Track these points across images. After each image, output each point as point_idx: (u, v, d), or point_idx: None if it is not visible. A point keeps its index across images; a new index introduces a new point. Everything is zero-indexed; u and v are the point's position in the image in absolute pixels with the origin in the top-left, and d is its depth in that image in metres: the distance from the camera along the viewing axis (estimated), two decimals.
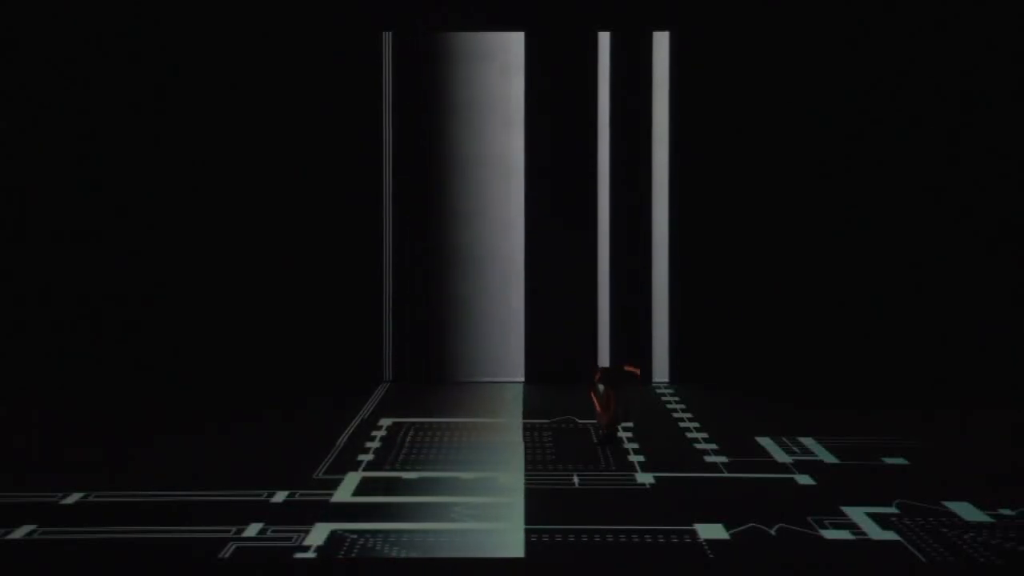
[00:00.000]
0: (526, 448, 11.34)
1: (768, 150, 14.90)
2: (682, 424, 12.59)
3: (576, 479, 10.18)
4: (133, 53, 14.72)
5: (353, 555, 8.03)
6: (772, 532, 8.57)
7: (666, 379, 15.16)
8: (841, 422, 12.59)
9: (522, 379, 15.19)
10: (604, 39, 15.19)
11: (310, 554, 8.04)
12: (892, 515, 8.97)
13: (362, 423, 12.53)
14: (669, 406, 13.61)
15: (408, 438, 11.80)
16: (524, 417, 12.94)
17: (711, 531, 8.57)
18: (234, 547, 8.13)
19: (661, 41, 15.15)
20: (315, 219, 15.00)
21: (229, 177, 14.87)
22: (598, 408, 11.48)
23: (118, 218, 14.78)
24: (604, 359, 15.18)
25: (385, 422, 12.56)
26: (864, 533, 8.55)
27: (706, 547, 8.24)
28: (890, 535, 8.50)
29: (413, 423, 12.49)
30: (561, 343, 15.25)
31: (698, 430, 12.27)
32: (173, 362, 14.80)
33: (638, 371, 11.93)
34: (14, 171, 14.73)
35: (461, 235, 15.26)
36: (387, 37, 15.17)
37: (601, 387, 11.50)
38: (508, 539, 8.41)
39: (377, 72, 15.07)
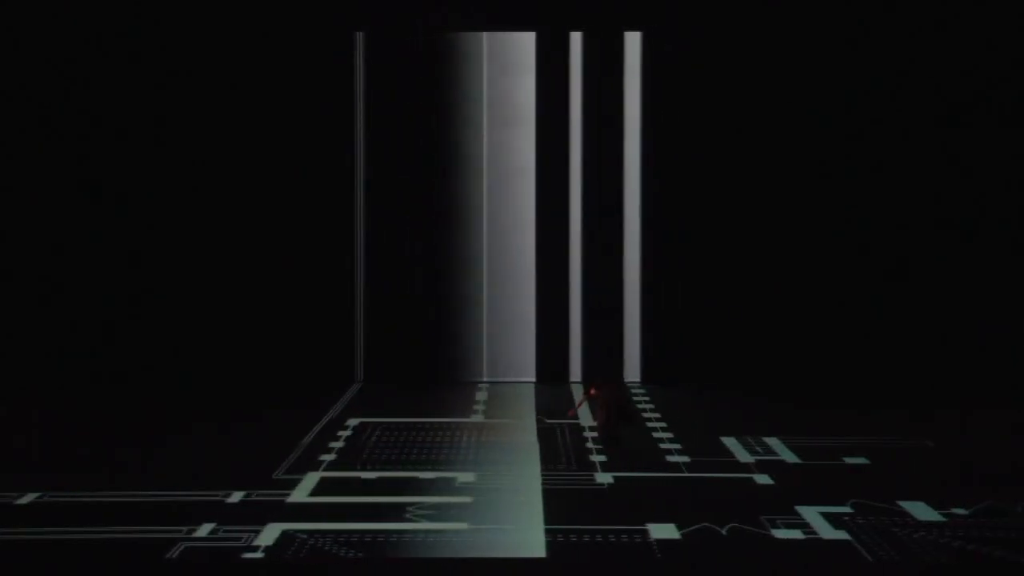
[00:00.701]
0: (493, 448, 11.36)
1: (762, 150, 14.86)
2: (649, 424, 12.59)
3: (537, 479, 10.17)
4: (133, 54, 14.70)
5: (302, 555, 8.03)
6: (723, 532, 8.56)
7: (638, 379, 15.17)
8: (814, 422, 12.62)
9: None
10: (576, 39, 15.24)
11: (258, 554, 8.04)
12: (846, 514, 8.96)
13: (329, 423, 12.54)
14: (639, 406, 13.60)
15: (374, 438, 11.80)
16: (495, 417, 12.97)
17: (663, 531, 8.56)
18: (183, 547, 8.12)
19: (634, 41, 15.17)
20: (292, 222, 14.98)
21: (205, 180, 14.86)
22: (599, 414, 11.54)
23: (93, 223, 14.79)
24: (575, 358, 15.24)
25: (352, 422, 12.59)
26: (815, 532, 8.55)
27: (655, 547, 8.23)
28: (841, 534, 8.50)
29: (380, 423, 12.50)
30: (554, 343, 15.32)
31: (664, 430, 12.27)
32: (148, 364, 14.80)
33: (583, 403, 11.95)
34: (10, 174, 14.76)
35: (456, 236, 15.31)
36: (359, 37, 15.18)
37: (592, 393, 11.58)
38: (468, 539, 8.41)
39: (350, 73, 15.10)
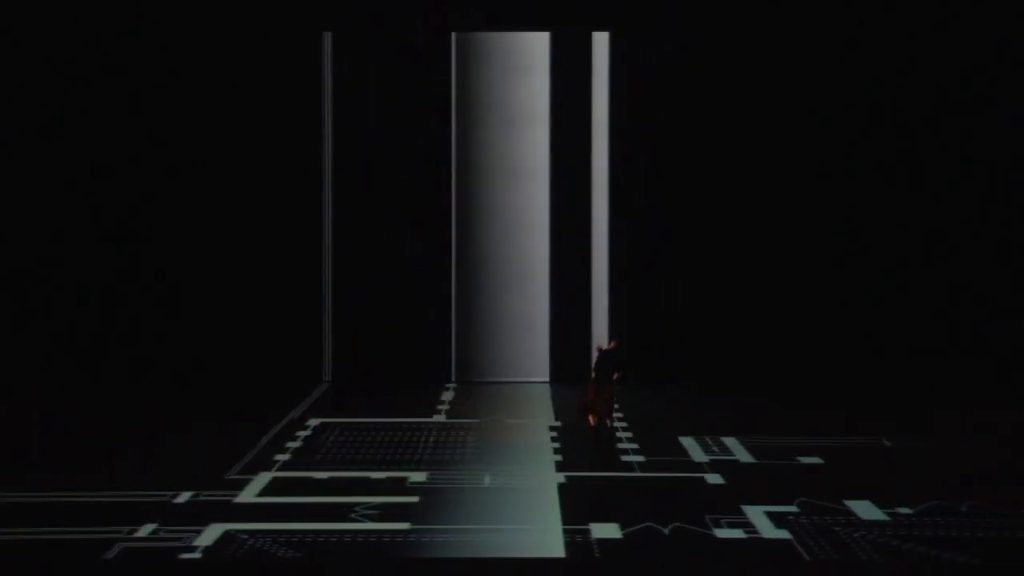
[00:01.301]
0: (447, 448, 11.36)
1: (758, 151, 14.81)
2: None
3: (487, 479, 10.17)
4: (120, 56, 14.72)
5: (238, 556, 8.02)
6: (666, 532, 8.55)
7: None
8: (789, 422, 12.61)
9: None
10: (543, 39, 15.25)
11: (196, 555, 8.03)
12: (790, 514, 8.95)
13: (290, 423, 12.52)
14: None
15: (331, 438, 11.80)
16: (457, 417, 12.98)
17: (605, 531, 8.55)
18: (121, 548, 8.11)
19: (601, 40, 15.18)
20: (262, 225, 14.93)
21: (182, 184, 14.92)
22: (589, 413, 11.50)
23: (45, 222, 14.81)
24: (543, 358, 15.24)
25: (314, 422, 12.58)
26: (757, 532, 8.54)
27: (595, 547, 8.22)
28: (782, 534, 8.49)
29: (341, 423, 12.50)
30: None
31: (625, 429, 12.26)
32: (121, 364, 14.78)
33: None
34: None
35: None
36: (327, 38, 15.17)
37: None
38: (403, 540, 8.41)
39: (318, 72, 15.11)
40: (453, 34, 15.18)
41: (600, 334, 14.96)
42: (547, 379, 15.28)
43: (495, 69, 15.29)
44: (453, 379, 15.24)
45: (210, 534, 8.44)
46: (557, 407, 13.48)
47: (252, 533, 8.47)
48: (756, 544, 8.31)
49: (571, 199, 15.21)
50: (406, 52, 15.05)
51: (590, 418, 11.39)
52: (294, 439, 11.75)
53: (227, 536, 8.40)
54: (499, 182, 15.35)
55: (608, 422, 11.49)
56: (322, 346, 15.19)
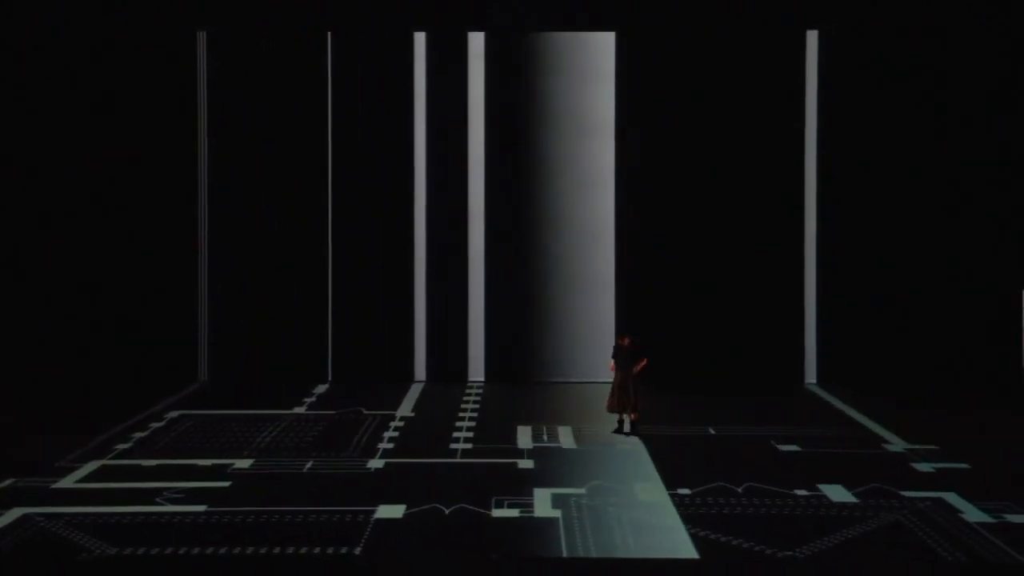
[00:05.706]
0: (289, 437, 11.74)
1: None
2: (462, 415, 12.93)
3: (310, 464, 10.57)
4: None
5: (23, 538, 8.37)
6: (447, 512, 8.95)
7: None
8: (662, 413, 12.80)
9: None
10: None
11: None
12: (575, 496, 9.34)
13: (151, 415, 12.88)
14: (468, 399, 13.99)
15: (181, 429, 12.17)
16: (314, 409, 13.36)
17: (390, 511, 8.95)
18: None
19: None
20: (141, 218, 15.28)
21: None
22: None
23: None
24: (420, 359, 15.54)
25: (173, 414, 12.95)
26: (531, 512, 8.93)
27: (370, 526, 8.61)
28: (555, 513, 8.87)
29: (199, 415, 12.87)
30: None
31: (472, 419, 12.64)
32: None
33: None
34: None
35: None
36: (201, 37, 15.51)
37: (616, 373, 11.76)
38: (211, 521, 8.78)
39: (193, 72, 15.45)
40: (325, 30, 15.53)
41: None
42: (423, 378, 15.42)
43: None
44: (330, 376, 15.49)
45: (7, 518, 8.82)
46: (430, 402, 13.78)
47: (49, 516, 8.85)
48: (525, 523, 8.68)
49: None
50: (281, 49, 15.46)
51: (613, 404, 11.74)
52: (144, 430, 12.12)
53: (24, 519, 8.78)
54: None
55: (631, 415, 11.73)
56: (197, 342, 15.46)
